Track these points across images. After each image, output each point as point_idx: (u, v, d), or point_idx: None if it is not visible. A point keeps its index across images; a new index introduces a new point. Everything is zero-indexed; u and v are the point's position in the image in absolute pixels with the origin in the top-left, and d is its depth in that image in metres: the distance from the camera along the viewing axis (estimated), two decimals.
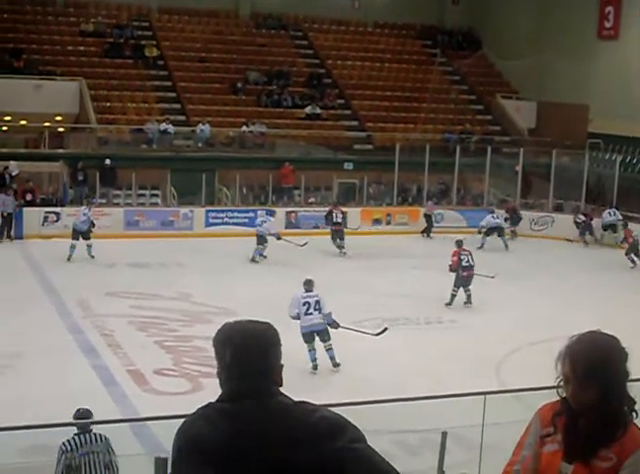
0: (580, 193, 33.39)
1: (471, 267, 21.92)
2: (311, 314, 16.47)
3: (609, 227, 31.11)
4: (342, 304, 21.08)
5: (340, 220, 28.94)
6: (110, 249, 27.04)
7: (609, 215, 31.27)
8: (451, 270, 21.92)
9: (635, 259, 27.52)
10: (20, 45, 36.44)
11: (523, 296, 22.96)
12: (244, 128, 35.68)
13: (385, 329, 17.01)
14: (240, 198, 32.82)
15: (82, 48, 37.98)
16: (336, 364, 16.56)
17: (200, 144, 35.04)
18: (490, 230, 30.18)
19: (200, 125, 34.76)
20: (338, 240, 28.47)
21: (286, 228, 31.28)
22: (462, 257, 21.93)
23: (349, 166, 35.02)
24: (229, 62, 39.40)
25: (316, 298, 16.59)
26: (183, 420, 3.10)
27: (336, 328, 16.61)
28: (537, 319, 20.41)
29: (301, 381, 15.52)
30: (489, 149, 34.74)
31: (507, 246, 30.01)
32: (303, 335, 16.41)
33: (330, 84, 40.46)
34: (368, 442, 3.05)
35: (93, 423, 11.02)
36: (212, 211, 31.27)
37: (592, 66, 38.75)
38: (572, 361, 3.40)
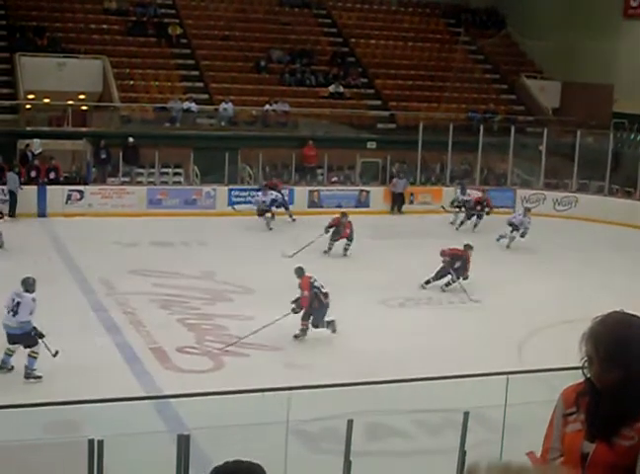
0: (604, 173, 33.21)
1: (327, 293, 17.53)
2: (6, 313, 14.94)
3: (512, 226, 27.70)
4: (366, 283, 21.19)
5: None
6: (132, 227, 27.14)
7: (519, 215, 28.17)
8: (306, 306, 17.29)
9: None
10: (43, 24, 36.44)
11: (547, 277, 22.87)
12: (267, 107, 35.62)
13: (57, 352, 14.66)
14: (263, 177, 32.81)
15: (105, 27, 37.97)
16: (27, 375, 14.66)
17: (222, 123, 35.02)
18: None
19: (224, 104, 34.73)
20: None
21: (309, 207, 31.32)
22: (316, 284, 17.45)
23: (372, 145, 34.95)
24: (252, 41, 39.30)
25: (18, 300, 14.77)
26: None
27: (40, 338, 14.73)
28: (561, 300, 20.35)
29: (322, 359, 15.55)
30: (512, 129, 34.54)
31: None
32: None
33: (353, 63, 40.31)
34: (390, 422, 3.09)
35: (114, 400, 11.09)
36: (235, 190, 31.28)
37: (617, 45, 38.43)
38: (595, 343, 3.39)
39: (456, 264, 21.49)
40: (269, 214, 28.55)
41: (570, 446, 3.50)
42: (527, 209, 28.18)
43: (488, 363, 13.40)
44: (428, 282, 21.49)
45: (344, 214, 25.16)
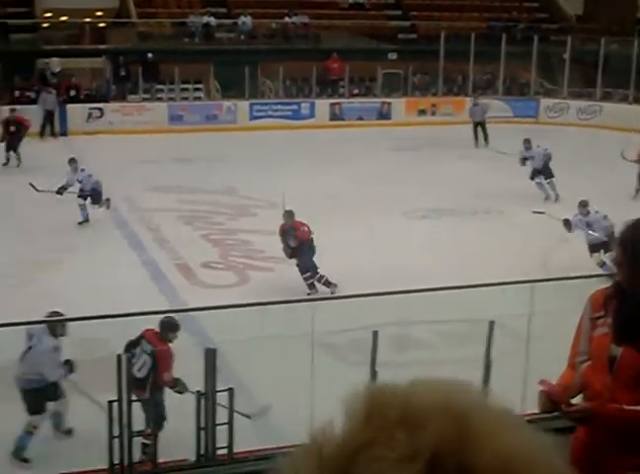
0: (629, 80, 32.78)
1: None
2: None
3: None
4: (390, 196, 21.13)
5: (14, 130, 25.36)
6: (154, 144, 27.11)
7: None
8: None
9: None
10: None
11: (575, 188, 22.66)
12: (286, 19, 35.22)
13: None
14: (284, 91, 32.60)
15: None
16: None
17: (242, 37, 34.67)
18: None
19: (242, 17, 34.35)
20: (11, 152, 25.12)
21: (331, 120, 31.19)
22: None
23: (393, 56, 34.57)
24: None
25: None
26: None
27: None
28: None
29: (347, 272, 15.56)
30: (535, 38, 34.07)
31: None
32: None
33: None
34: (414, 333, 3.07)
35: (144, 314, 11.16)
36: (256, 104, 31.17)
37: None
38: (622, 246, 3.38)
39: None
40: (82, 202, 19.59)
41: (597, 350, 3.50)
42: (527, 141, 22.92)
43: (513, 272, 13.36)
44: None
45: (287, 212, 16.19)
